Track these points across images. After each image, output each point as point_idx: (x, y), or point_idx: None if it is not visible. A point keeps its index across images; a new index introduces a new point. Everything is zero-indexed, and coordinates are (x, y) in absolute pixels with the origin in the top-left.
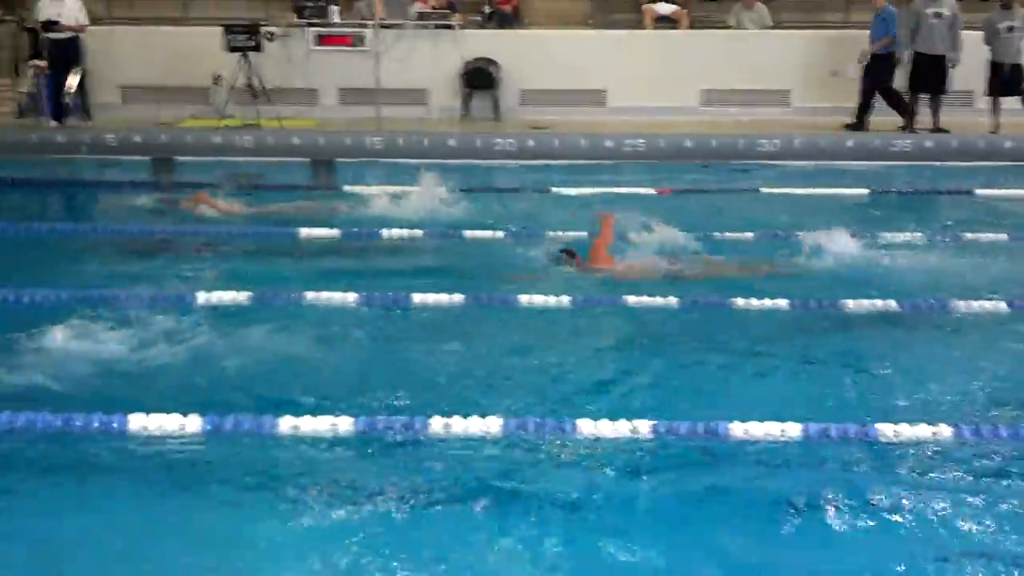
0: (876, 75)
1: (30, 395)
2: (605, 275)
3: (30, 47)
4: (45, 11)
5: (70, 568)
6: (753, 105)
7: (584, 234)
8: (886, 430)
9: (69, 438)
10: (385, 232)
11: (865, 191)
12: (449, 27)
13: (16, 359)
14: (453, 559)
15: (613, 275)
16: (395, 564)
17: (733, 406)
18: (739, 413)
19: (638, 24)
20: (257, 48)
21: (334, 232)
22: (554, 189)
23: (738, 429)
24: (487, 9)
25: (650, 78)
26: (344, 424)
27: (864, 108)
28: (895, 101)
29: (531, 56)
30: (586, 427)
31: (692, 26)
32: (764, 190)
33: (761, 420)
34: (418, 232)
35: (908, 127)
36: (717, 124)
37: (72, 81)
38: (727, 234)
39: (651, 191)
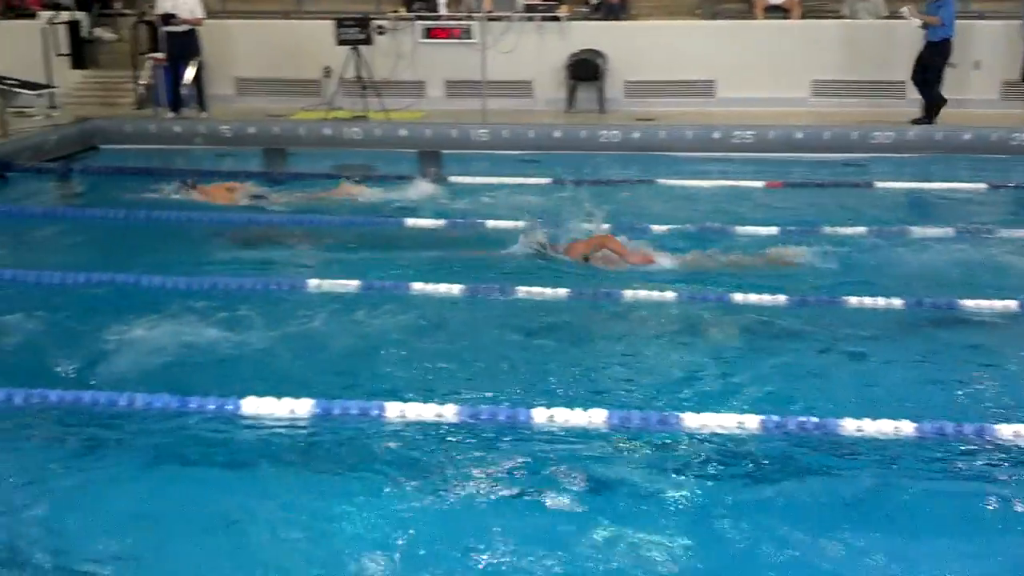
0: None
1: (147, 377)
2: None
3: (149, 40)
4: (163, 5)
5: (180, 543)
6: (866, 96)
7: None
8: (1005, 431)
9: (185, 419)
10: (490, 223)
11: (983, 186)
12: (556, 19)
13: (134, 343)
14: (565, 547)
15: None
16: (509, 551)
17: (847, 403)
18: (851, 410)
19: (747, 14)
20: (367, 41)
21: (440, 222)
22: (660, 181)
23: (850, 426)
24: (594, 0)
25: (759, 69)
26: (448, 412)
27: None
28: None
29: (638, 47)
30: (691, 420)
31: (804, 16)
32: (878, 184)
33: (874, 418)
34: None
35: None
36: (827, 116)
37: (189, 73)
38: (838, 229)
39: (759, 184)
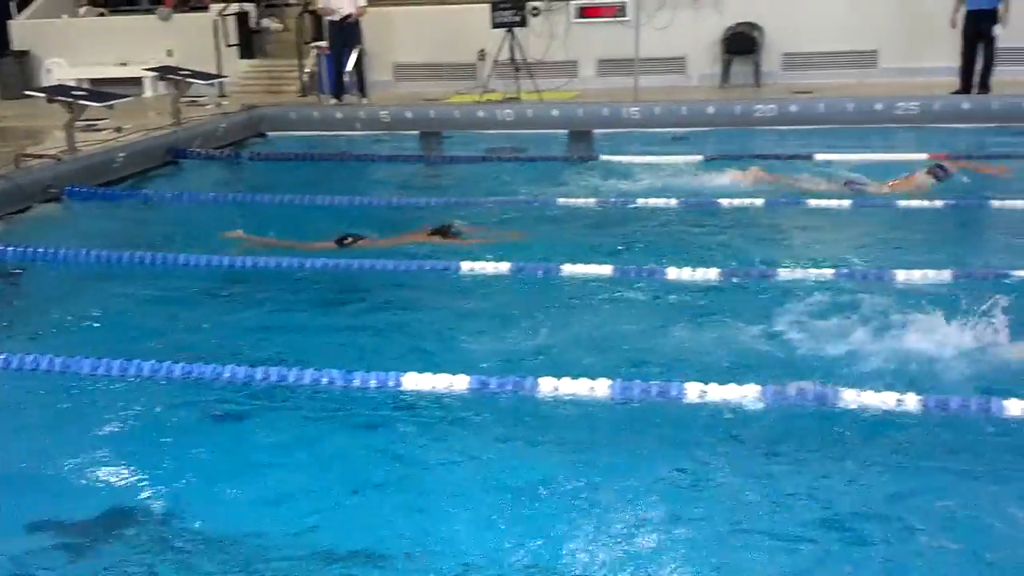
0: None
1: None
2: None
3: (313, 30)
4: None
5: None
6: None
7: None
8: None
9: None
10: (641, 201)
11: None
12: None
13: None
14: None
15: None
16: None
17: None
18: None
19: None
20: (522, 23)
21: (590, 201)
22: (818, 156)
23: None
24: None
25: (924, 37)
26: (601, 387)
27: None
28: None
29: (796, 18)
30: (850, 396)
31: None
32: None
33: None
34: (672, 201)
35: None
36: (997, 85)
37: (351, 61)
38: (1004, 202)
39: (924, 156)
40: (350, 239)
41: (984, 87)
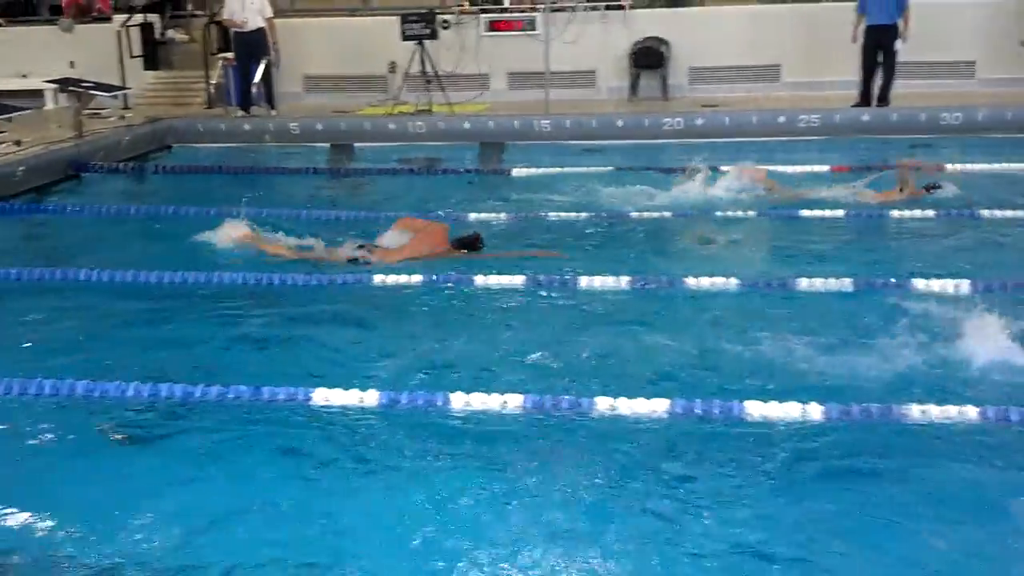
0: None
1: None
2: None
3: (219, 41)
4: (231, 7)
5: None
6: (934, 77)
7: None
8: None
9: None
10: (553, 214)
11: None
12: (620, 7)
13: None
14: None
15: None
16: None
17: None
18: None
19: None
20: (433, 36)
21: (501, 215)
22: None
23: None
24: None
25: (825, 52)
26: (513, 401)
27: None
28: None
29: (702, 33)
30: (916, 412)
31: None
32: (948, 166)
33: None
34: (583, 214)
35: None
36: (897, 98)
37: (259, 72)
38: (904, 212)
39: (825, 168)
40: (365, 248)
41: (883, 100)
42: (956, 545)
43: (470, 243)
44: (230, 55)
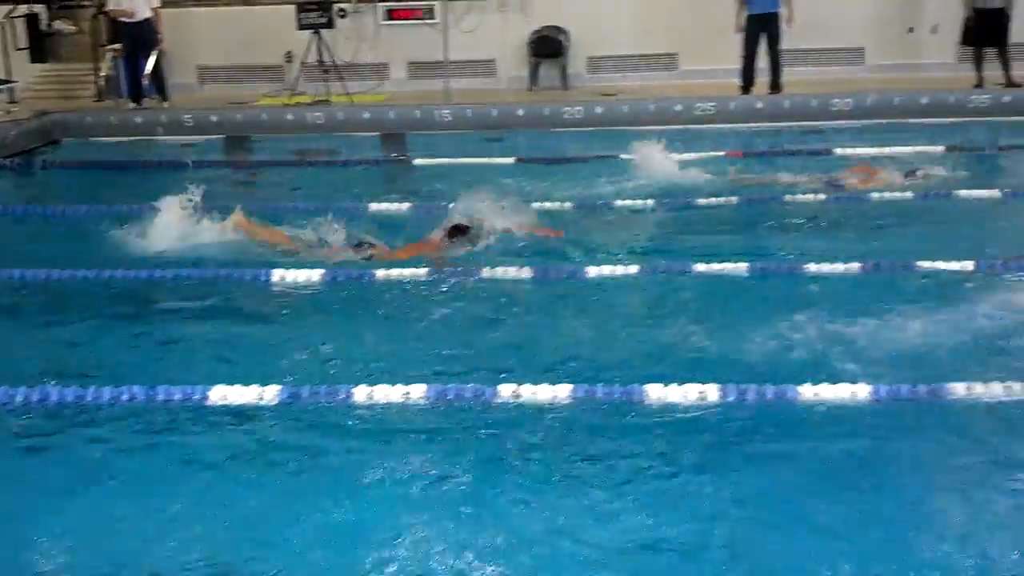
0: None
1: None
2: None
3: (108, 32)
4: None
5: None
6: (826, 64)
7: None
8: None
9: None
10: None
11: (941, 148)
12: None
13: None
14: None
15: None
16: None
17: None
18: None
19: None
20: (329, 25)
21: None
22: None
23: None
24: None
25: (722, 40)
26: (417, 392)
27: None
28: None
29: (599, 22)
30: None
31: None
32: (838, 151)
33: None
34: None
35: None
36: (789, 84)
37: (149, 63)
38: (799, 196)
39: (721, 154)
40: (366, 246)
41: (776, 87)
42: (847, 517)
43: (463, 229)
44: (119, 46)
